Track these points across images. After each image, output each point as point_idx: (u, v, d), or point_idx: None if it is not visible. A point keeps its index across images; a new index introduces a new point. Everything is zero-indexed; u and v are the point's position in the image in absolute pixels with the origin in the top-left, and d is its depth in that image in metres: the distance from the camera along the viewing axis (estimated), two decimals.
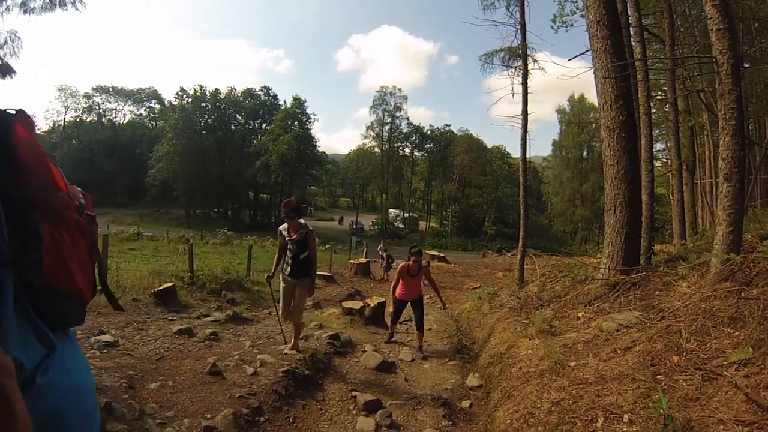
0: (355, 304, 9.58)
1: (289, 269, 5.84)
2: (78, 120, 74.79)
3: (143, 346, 5.73)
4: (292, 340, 6.17)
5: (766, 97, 14.55)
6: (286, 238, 5.78)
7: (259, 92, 70.61)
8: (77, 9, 14.12)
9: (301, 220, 5.77)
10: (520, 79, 11.39)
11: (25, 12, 13.56)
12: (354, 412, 4.62)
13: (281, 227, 5.91)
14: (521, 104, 11.28)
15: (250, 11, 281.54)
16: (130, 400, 3.71)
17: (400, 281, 7.52)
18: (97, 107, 75.85)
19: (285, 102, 67.73)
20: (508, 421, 3.68)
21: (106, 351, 5.20)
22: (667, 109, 15.13)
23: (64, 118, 74.26)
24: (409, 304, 7.67)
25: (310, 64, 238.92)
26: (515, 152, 70.27)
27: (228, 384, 4.48)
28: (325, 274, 17.14)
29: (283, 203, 5.62)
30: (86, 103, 74.82)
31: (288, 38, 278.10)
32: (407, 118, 71.11)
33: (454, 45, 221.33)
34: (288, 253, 5.81)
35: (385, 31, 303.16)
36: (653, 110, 10.44)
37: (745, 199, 4.98)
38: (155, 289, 8.54)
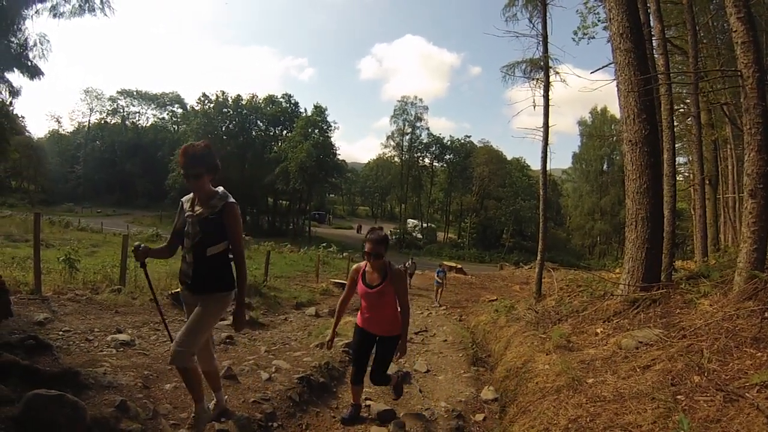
0: None
1: (187, 275, 3.28)
2: (102, 122, 76.97)
3: (159, 346, 5.79)
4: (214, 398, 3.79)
5: None
6: (186, 213, 3.28)
7: (281, 99, 71.40)
8: (105, 15, 14.50)
9: (220, 188, 3.32)
10: (542, 91, 11.33)
11: (54, 16, 13.94)
12: (367, 421, 4.60)
13: (184, 198, 3.43)
14: (542, 116, 11.21)
15: (275, 19, 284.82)
16: (145, 399, 3.74)
17: (360, 296, 4.19)
18: (121, 110, 78.00)
19: (306, 110, 68.50)
20: None
21: (122, 349, 5.26)
22: (689, 122, 14.92)
23: (89, 120, 76.53)
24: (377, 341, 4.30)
25: (332, 73, 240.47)
26: (535, 164, 69.77)
27: (242, 388, 4.48)
28: (343, 282, 17.20)
29: (182, 149, 3.19)
30: (111, 105, 77.08)
31: (312, 46, 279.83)
32: (427, 129, 71.65)
33: (476, 56, 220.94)
34: (186, 241, 3.25)
35: (409, 41, 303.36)
36: (675, 123, 10.31)
37: None
38: (172, 291, 8.62)
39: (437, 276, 18.08)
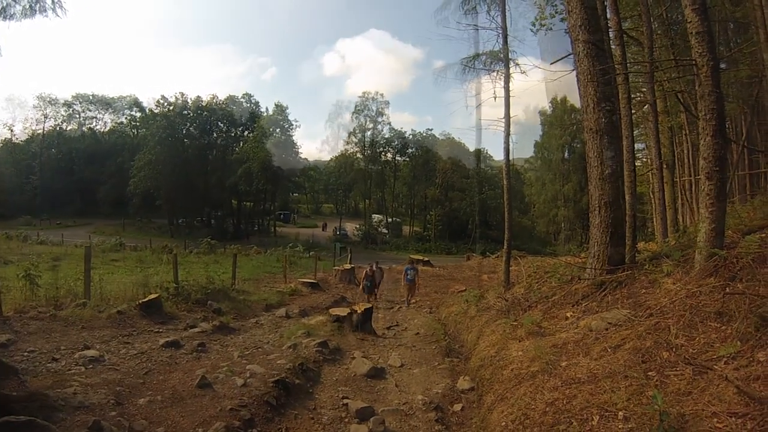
0: (342, 311, 9.53)
1: None
2: (58, 129, 73.71)
3: (130, 360, 5.64)
4: None
5: (741, 97, 14.84)
6: None
7: (241, 99, 70.28)
8: (57, 15, 13.87)
9: None
10: (503, 83, 11.43)
11: (4, 18, 13.32)
12: (347, 419, 4.59)
13: None
14: (504, 108, 11.31)
15: (235, 16, 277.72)
16: (119, 417, 3.64)
17: None
18: (77, 116, 74.95)
19: (267, 109, 67.63)
20: (503, 423, 3.68)
21: (91, 366, 5.10)
22: (646, 110, 15.37)
23: (44, 127, 73.23)
24: None
25: (295, 70, 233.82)
26: (497, 155, 70.88)
27: (218, 396, 4.42)
28: (311, 281, 17.09)
29: None
30: (66, 111, 73.92)
31: (274, 44, 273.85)
32: (389, 123, 71.37)
33: (440, 50, 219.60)
34: None
35: (373, 35, 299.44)
36: (633, 111, 10.60)
37: (726, 196, 5.06)
38: (140, 301, 8.42)
39: (407, 274, 15.88)
